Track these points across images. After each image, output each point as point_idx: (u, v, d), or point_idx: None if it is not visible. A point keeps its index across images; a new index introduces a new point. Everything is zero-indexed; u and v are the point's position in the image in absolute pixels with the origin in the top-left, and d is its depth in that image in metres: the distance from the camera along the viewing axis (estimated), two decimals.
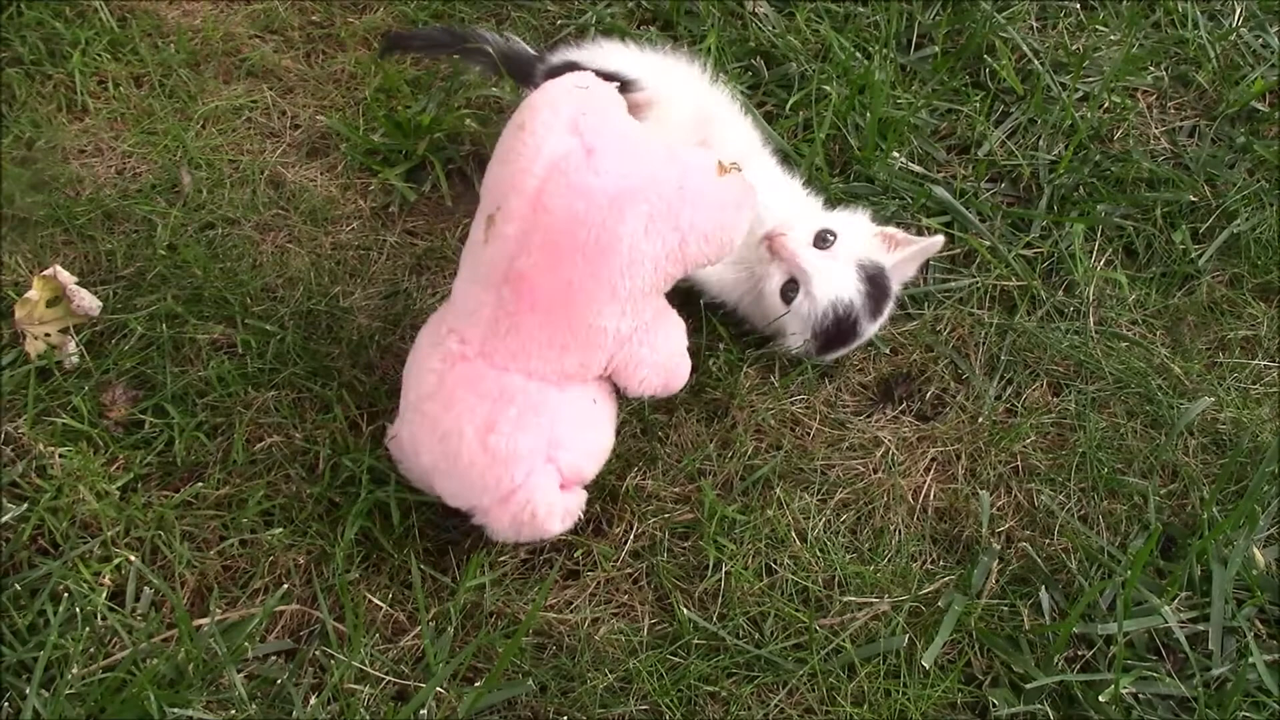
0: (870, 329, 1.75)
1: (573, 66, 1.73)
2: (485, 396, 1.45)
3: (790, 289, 1.70)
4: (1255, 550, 1.59)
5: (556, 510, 1.48)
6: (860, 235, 1.75)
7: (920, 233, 1.86)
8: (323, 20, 2.24)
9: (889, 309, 1.77)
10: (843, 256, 1.71)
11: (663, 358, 1.53)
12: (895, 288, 1.77)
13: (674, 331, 1.56)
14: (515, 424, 1.44)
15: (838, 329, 1.71)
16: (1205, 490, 1.67)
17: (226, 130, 2.05)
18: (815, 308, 1.69)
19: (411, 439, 1.50)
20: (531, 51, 1.99)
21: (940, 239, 1.77)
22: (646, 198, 1.40)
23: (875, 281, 1.72)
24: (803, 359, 1.76)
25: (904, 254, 1.74)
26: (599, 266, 1.40)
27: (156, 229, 1.87)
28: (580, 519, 1.57)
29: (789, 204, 1.78)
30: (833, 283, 1.69)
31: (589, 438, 1.54)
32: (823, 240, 1.71)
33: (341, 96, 2.11)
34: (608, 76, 1.64)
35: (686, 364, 1.59)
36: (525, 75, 1.92)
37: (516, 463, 1.44)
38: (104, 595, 1.49)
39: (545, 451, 1.47)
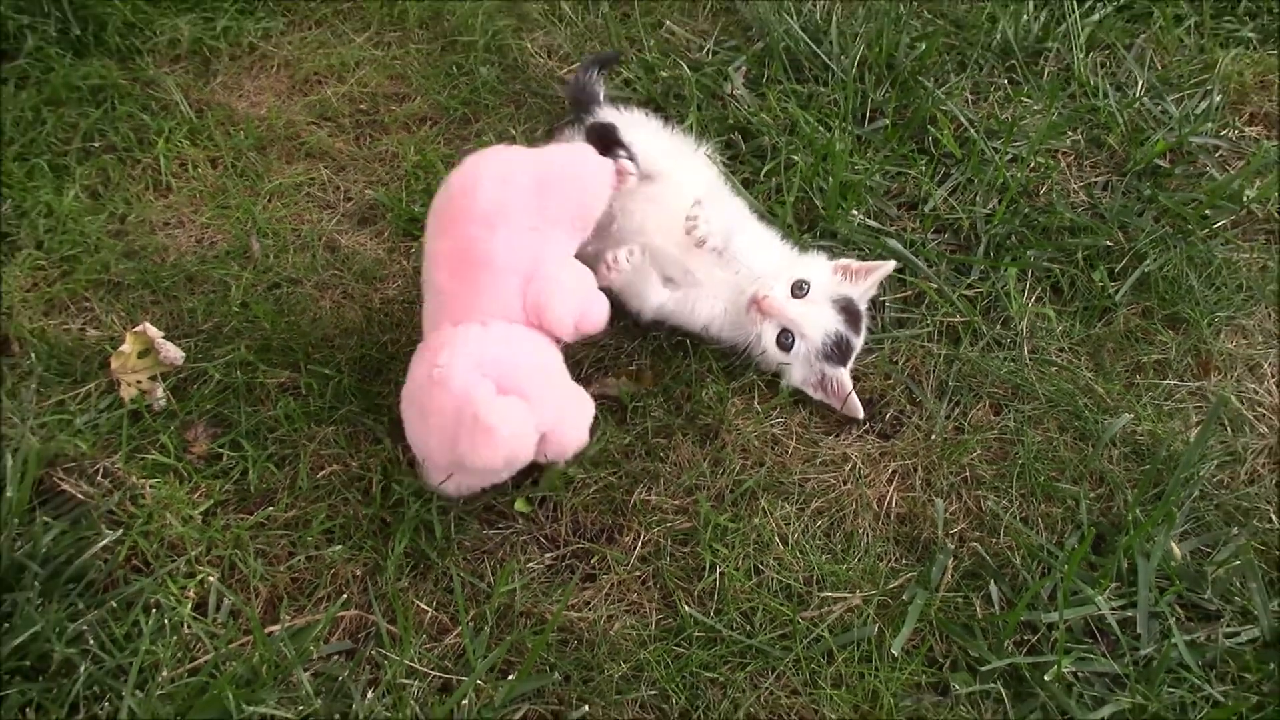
0: (858, 341, 1.75)
1: (609, 129, 1.79)
2: (428, 349, 1.51)
3: (785, 337, 1.69)
4: (1173, 544, 1.55)
5: (497, 408, 1.42)
6: (824, 274, 1.74)
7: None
8: (369, 109, 2.21)
9: (865, 324, 1.76)
10: (818, 299, 1.70)
11: (574, 290, 1.57)
12: (862, 307, 1.76)
13: (580, 271, 1.61)
14: (450, 354, 1.47)
15: (837, 350, 1.70)
16: (1129, 494, 1.63)
17: (289, 203, 2.02)
18: (813, 346, 1.69)
19: (409, 428, 1.53)
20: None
21: (891, 263, 1.78)
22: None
23: (847, 309, 1.72)
24: (783, 387, 1.73)
25: (867, 282, 1.75)
26: (479, 221, 1.53)
27: (230, 289, 1.84)
28: (594, 529, 1.54)
29: (770, 262, 1.75)
30: (818, 323, 1.69)
31: (525, 356, 1.53)
32: (799, 289, 1.69)
33: (386, 173, 2.08)
34: (616, 139, 1.74)
35: (602, 301, 1.61)
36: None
37: (454, 380, 1.45)
38: (189, 607, 1.45)
39: (478, 368, 1.46)
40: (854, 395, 1.70)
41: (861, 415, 1.71)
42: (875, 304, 1.86)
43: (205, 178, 2.05)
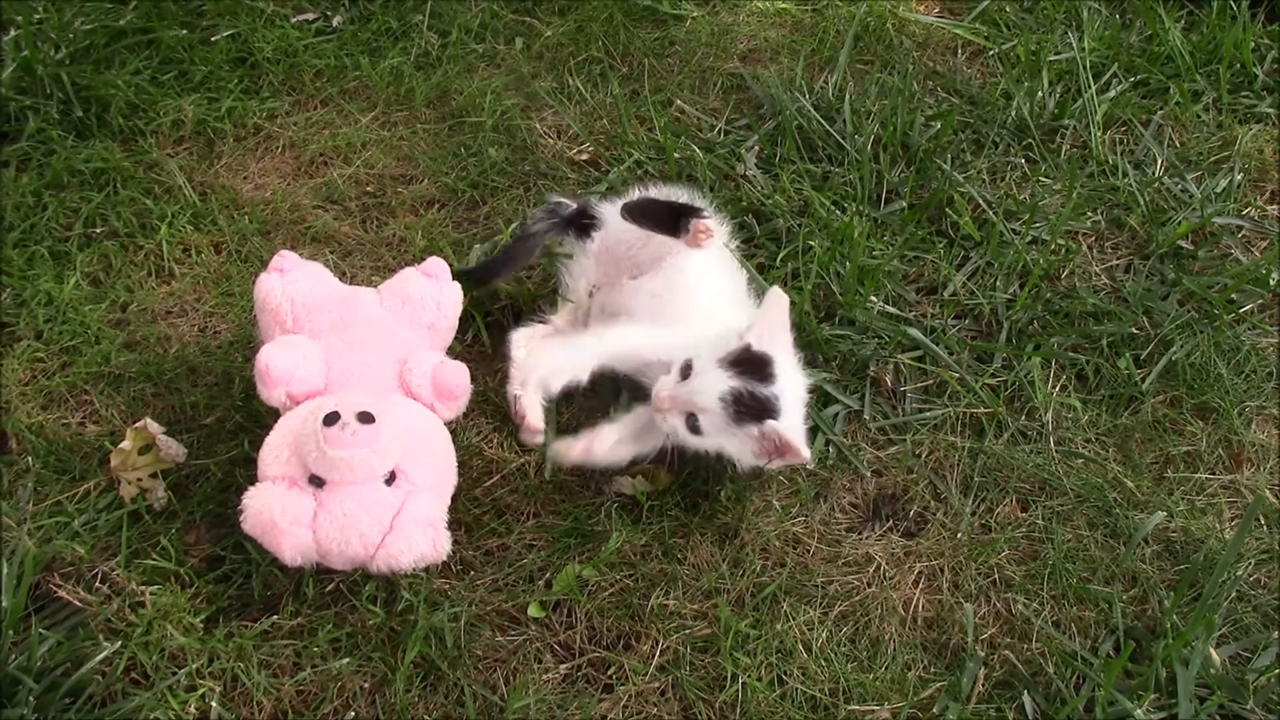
0: (775, 388, 1.60)
1: (649, 200, 1.87)
2: None
3: (693, 421, 1.60)
4: (1212, 651, 1.52)
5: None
6: (720, 343, 1.63)
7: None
8: (375, 191, 2.21)
9: (779, 366, 1.62)
10: (704, 368, 1.60)
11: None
12: (771, 348, 1.62)
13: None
14: None
15: (748, 406, 1.58)
16: (1163, 595, 1.60)
17: None
18: (715, 415, 1.58)
19: None
20: (574, 205, 1.98)
21: (775, 288, 1.66)
22: None
23: (743, 361, 1.60)
24: (802, 488, 1.71)
25: (761, 326, 1.63)
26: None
27: (234, 381, 1.83)
28: (610, 635, 1.52)
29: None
30: (707, 390, 1.58)
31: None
32: (686, 370, 1.62)
33: (393, 258, 2.07)
34: (686, 208, 1.79)
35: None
36: (581, 222, 1.94)
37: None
38: None
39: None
40: (786, 435, 1.56)
41: (805, 457, 1.56)
42: (894, 393, 1.85)
43: (209, 264, 2.05)
